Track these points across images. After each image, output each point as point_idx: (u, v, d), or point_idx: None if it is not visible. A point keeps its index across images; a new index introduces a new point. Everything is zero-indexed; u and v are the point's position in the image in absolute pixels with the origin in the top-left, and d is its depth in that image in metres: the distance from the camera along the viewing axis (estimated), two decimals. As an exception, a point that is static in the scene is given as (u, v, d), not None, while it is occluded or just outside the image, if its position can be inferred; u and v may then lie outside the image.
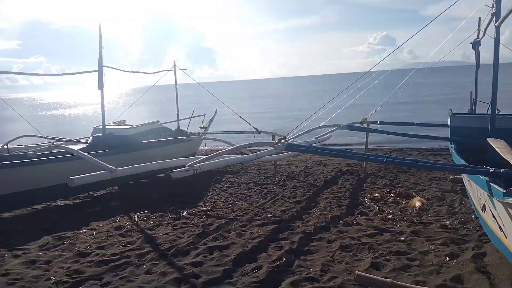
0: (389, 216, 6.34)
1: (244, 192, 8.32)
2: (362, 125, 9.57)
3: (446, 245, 4.97)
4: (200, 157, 6.17)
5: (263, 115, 32.14)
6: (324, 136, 10.15)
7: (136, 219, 6.33)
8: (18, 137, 10.00)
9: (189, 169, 5.26)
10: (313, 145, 8.29)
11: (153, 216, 6.58)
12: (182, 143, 10.43)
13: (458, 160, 6.05)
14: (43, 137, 9.91)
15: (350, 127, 8.73)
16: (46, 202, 7.58)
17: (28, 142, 10.65)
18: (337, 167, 10.80)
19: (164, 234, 5.60)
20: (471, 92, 9.88)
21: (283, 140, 4.95)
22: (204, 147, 14.16)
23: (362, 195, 7.80)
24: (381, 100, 10.26)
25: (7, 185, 6.61)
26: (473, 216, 6.15)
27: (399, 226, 5.88)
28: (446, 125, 10.38)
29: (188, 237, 5.41)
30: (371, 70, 6.56)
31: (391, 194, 7.67)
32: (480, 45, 7.99)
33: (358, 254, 4.79)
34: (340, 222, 6.09)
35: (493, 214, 4.07)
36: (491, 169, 3.86)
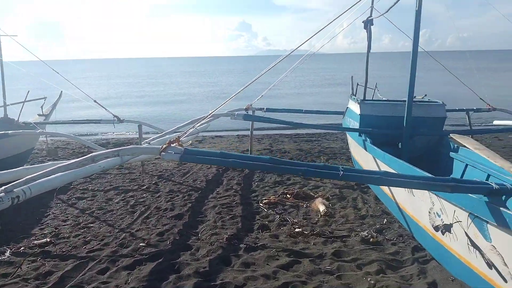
0: (296, 229, 5.05)
1: (102, 205, 6.13)
2: (247, 112, 8.23)
3: (384, 274, 3.86)
4: (29, 170, 3.88)
5: (123, 100, 28.68)
6: (201, 126, 8.50)
7: None
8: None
9: (3, 197, 3.06)
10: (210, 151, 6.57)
11: None
12: (7, 139, 7.36)
13: (392, 159, 5.00)
14: None
15: (247, 117, 7.36)
16: None
17: None
18: (215, 161, 9.28)
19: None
20: (352, 76, 9.39)
21: (176, 144, 3.00)
22: (46, 139, 11.09)
23: (255, 198, 6.42)
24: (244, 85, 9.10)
25: None
26: (385, 220, 5.31)
27: (313, 244, 4.62)
28: (336, 112, 9.76)
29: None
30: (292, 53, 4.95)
31: (288, 196, 6.45)
32: (372, 24, 7.27)
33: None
34: (241, 245, 4.56)
35: (476, 245, 3.00)
36: (494, 185, 2.73)
